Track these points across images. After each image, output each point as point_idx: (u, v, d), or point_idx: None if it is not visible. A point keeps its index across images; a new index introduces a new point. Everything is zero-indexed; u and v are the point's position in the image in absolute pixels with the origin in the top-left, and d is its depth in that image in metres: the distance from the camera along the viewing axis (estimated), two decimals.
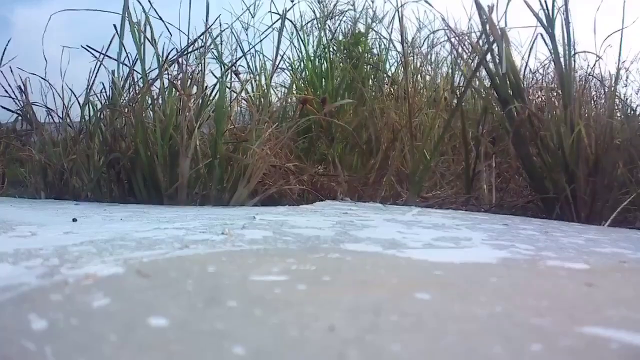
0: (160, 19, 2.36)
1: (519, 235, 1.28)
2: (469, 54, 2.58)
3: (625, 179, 2.02)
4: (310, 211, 1.73)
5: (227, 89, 2.47)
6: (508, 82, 2.12)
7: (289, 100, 2.88)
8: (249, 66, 2.94)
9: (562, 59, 2.09)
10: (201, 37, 2.37)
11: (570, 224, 1.76)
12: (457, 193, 2.37)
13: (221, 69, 2.45)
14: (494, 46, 2.11)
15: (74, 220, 1.41)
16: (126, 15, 2.34)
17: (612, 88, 2.26)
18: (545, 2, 2.09)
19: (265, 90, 2.56)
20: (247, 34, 3.04)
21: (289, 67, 3.19)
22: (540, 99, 2.48)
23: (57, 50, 2.62)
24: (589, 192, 1.98)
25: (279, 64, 2.79)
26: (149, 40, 2.34)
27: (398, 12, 2.54)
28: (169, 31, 2.40)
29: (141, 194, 2.24)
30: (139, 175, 2.24)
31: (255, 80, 2.89)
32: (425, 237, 1.16)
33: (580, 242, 1.23)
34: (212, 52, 2.54)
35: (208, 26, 2.37)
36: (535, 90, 2.59)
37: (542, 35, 2.14)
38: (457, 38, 2.60)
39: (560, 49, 2.10)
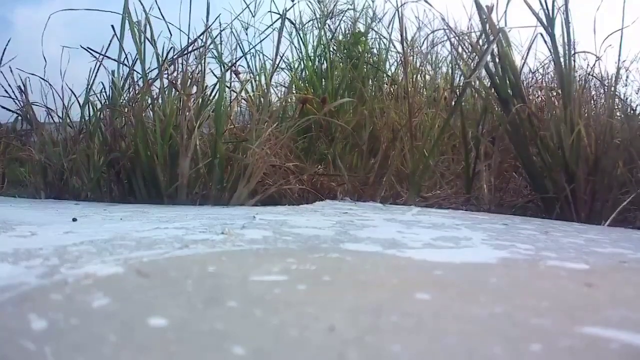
0: (163, 18, 2.37)
1: (518, 235, 1.28)
2: (468, 53, 2.58)
3: (625, 179, 2.02)
4: (310, 211, 1.73)
5: (227, 89, 2.47)
6: (508, 81, 2.12)
7: (289, 100, 2.88)
8: (248, 66, 2.95)
9: (562, 59, 2.09)
10: (201, 37, 2.37)
11: (570, 223, 1.76)
12: (456, 193, 2.37)
13: (221, 69, 2.45)
14: (494, 46, 2.11)
15: (74, 220, 1.41)
16: (126, 15, 2.34)
17: (612, 88, 2.26)
18: (545, 2, 2.09)
19: (265, 90, 2.56)
20: (247, 34, 3.04)
21: (289, 67, 3.20)
22: (540, 98, 2.47)
23: (57, 50, 2.63)
24: (588, 191, 1.98)
25: (278, 63, 2.79)
26: (148, 40, 2.34)
27: (398, 11, 2.54)
28: (169, 31, 2.40)
29: (141, 193, 2.24)
30: (138, 175, 2.23)
31: (255, 80, 2.89)
32: (425, 237, 1.16)
33: (580, 242, 1.23)
34: (212, 52, 2.54)
35: (208, 26, 2.37)
36: (535, 90, 2.59)
37: (542, 35, 2.14)
38: (457, 38, 2.60)
39: (560, 49, 2.10)
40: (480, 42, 2.31)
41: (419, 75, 3.17)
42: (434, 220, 1.51)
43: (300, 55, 3.12)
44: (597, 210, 1.97)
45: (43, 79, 2.76)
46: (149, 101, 2.30)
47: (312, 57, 3.09)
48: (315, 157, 2.71)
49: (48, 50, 2.65)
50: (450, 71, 3.01)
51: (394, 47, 3.18)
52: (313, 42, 3.13)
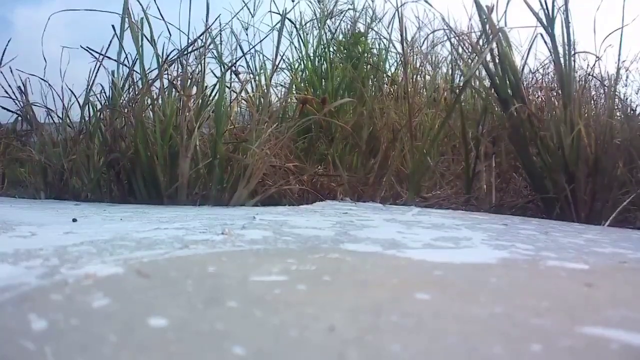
0: (162, 18, 2.37)
1: (518, 235, 1.28)
2: (468, 53, 2.58)
3: (625, 179, 2.02)
4: (310, 211, 1.73)
5: (227, 89, 2.47)
6: (508, 82, 2.12)
7: (289, 100, 2.88)
8: (248, 66, 2.94)
9: (562, 59, 2.09)
10: (201, 37, 2.37)
11: (570, 224, 1.76)
12: (457, 193, 2.37)
13: (221, 69, 2.45)
14: (494, 45, 2.11)
15: (74, 220, 1.41)
16: (126, 15, 2.35)
17: (612, 88, 2.26)
18: (545, 2, 2.09)
19: (265, 90, 2.56)
20: (247, 34, 3.04)
21: (289, 67, 3.20)
22: (540, 98, 2.47)
23: (57, 51, 2.63)
24: (588, 192, 1.98)
25: (279, 63, 2.79)
26: (148, 40, 2.34)
27: (398, 11, 2.54)
28: (169, 31, 2.40)
29: (141, 194, 2.24)
30: (138, 176, 2.23)
31: (255, 80, 2.89)
32: (425, 237, 1.16)
33: (580, 242, 1.23)
34: (212, 52, 2.54)
35: (208, 26, 2.37)
36: (535, 90, 2.59)
37: (542, 35, 2.14)
38: (457, 38, 2.60)
39: (560, 49, 2.10)
40: (481, 42, 2.31)
41: (419, 76, 3.17)
42: (434, 221, 1.51)
43: (301, 56, 3.12)
44: (597, 210, 1.97)
45: (43, 79, 2.76)
46: (149, 101, 2.30)
47: (312, 57, 3.09)
48: (315, 157, 2.71)
49: (48, 51, 2.65)
50: (450, 71, 3.02)
51: (394, 47, 3.18)
52: (313, 42, 3.13)
